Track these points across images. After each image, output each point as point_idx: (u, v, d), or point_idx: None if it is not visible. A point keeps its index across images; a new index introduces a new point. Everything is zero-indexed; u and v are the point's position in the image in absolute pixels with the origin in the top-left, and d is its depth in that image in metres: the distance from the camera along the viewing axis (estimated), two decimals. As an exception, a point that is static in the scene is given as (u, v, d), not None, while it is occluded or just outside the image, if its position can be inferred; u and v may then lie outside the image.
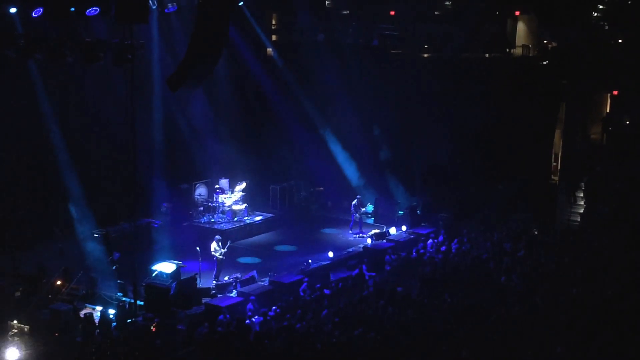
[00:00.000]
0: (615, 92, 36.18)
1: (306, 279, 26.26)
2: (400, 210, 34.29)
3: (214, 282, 27.20)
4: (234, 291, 26.32)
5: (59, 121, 31.90)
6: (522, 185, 33.99)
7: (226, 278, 27.31)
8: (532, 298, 22.08)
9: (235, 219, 33.59)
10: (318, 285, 25.87)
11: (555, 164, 35.99)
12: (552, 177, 35.73)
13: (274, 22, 41.10)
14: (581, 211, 31.23)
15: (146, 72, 32.94)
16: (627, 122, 34.40)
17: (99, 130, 32.84)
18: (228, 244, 28.30)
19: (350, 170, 36.67)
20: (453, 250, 28.14)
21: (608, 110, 36.45)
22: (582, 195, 31.92)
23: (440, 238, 29.91)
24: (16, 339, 22.73)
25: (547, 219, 31.62)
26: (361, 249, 30.76)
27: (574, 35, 35.69)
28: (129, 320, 23.68)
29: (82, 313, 24.20)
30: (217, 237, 28.47)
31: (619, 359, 17.66)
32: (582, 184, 32.04)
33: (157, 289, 25.37)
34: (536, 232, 29.40)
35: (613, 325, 19.66)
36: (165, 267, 26.58)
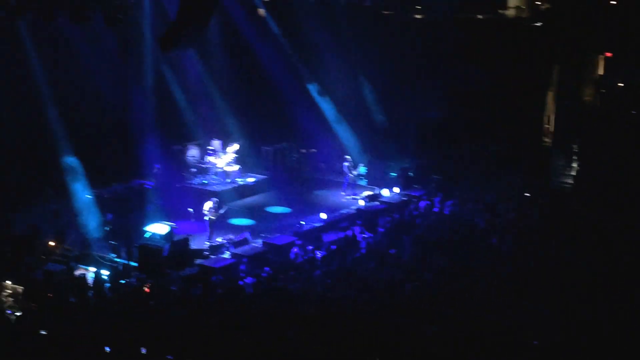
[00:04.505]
0: (609, 54, 36.07)
1: (299, 241, 26.32)
2: (393, 172, 34.31)
3: (207, 243, 27.25)
4: (227, 252, 26.39)
5: (51, 82, 31.68)
6: (514, 147, 34.03)
7: (219, 239, 27.37)
8: (523, 260, 22.19)
9: (228, 180, 33.60)
10: (310, 247, 25.94)
11: (547, 126, 35.96)
12: (544, 139, 35.73)
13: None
14: (574, 173, 31.30)
15: (138, 32, 32.78)
16: (621, 85, 34.34)
17: (91, 91, 32.61)
18: (223, 210, 28.31)
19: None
20: (445, 212, 28.21)
21: (601, 72, 36.36)
22: (575, 157, 31.96)
23: (434, 200, 29.94)
24: (10, 299, 22.81)
25: (539, 181, 31.71)
26: (354, 211, 30.79)
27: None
28: (122, 282, 23.74)
29: (75, 274, 24.25)
30: (214, 199, 28.48)
31: (608, 322, 17.78)
32: (575, 146, 32.06)
33: (150, 250, 25.40)
34: (528, 195, 29.45)
35: (603, 288, 19.80)
36: (158, 228, 26.61)
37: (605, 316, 18.14)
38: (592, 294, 19.31)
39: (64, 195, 30.25)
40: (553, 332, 17.36)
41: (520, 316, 18.49)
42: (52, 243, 26.20)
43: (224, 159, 33.85)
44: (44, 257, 25.47)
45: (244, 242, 26.95)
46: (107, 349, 17.66)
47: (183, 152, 34.51)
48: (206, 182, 33.27)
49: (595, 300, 18.98)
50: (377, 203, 31.28)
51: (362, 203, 31.66)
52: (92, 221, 28.33)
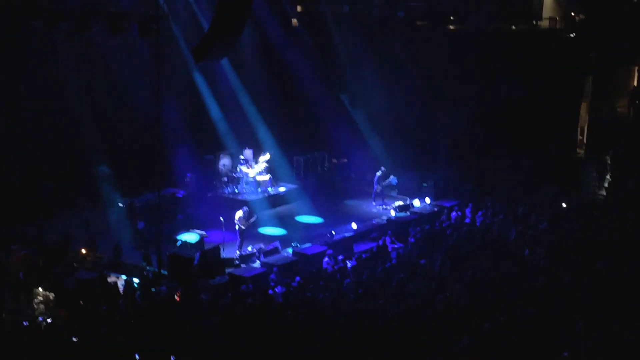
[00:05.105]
0: (643, 65, 35.89)
1: (329, 251, 26.33)
2: (425, 183, 34.24)
3: (238, 252, 27.32)
4: (257, 262, 26.44)
5: (84, 92, 32.08)
6: (548, 158, 33.83)
7: (250, 248, 27.43)
8: (555, 272, 22.04)
9: (259, 189, 33.68)
10: (341, 256, 25.94)
11: (581, 137, 35.74)
12: (578, 150, 35.52)
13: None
14: (607, 185, 31.06)
15: (171, 43, 33.02)
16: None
17: (124, 101, 32.98)
18: (253, 219, 28.34)
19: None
20: (477, 223, 28.09)
21: (635, 84, 36.12)
22: (608, 169, 31.73)
23: (465, 211, 29.83)
24: (41, 306, 23.00)
25: (572, 193, 31.49)
26: (384, 221, 30.75)
27: (602, 8, 35.28)
28: (153, 290, 23.86)
29: (106, 282, 24.39)
30: (245, 208, 28.53)
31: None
32: (608, 157, 31.83)
33: (181, 258, 25.52)
34: (564, 205, 29.23)
35: (637, 300, 19.60)
36: (189, 237, 26.72)
37: (638, 329, 17.96)
38: (625, 307, 19.12)
39: (96, 203, 30.52)
40: (584, 345, 17.20)
41: (551, 328, 18.37)
42: (83, 251, 26.41)
43: (256, 168, 33.93)
44: (76, 265, 25.68)
45: (275, 251, 27.01)
46: (137, 357, 17.76)
47: (215, 161, 34.65)
48: (237, 191, 33.37)
49: (628, 314, 18.79)
50: (407, 213, 31.24)
51: (393, 213, 31.61)
52: (123, 230, 28.52)
